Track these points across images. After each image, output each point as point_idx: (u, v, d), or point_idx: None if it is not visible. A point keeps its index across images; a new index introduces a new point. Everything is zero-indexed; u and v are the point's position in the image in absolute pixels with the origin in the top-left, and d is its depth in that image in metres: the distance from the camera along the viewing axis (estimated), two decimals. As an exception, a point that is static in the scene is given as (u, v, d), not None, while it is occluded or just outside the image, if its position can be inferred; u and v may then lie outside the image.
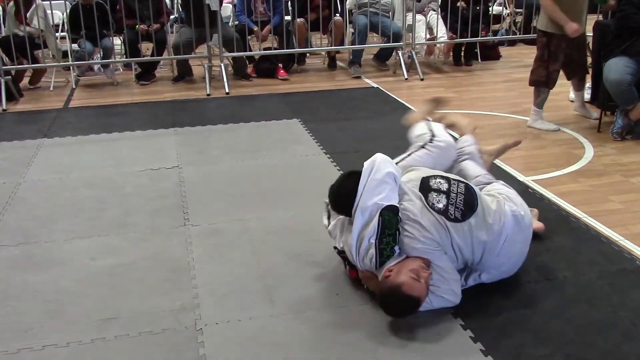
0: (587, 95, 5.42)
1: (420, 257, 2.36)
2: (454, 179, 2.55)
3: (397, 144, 3.89)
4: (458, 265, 2.45)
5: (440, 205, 2.41)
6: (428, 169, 2.67)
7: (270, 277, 2.68)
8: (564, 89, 5.77)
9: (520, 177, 3.76)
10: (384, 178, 2.43)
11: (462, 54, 7.18)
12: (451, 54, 7.20)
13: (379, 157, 2.51)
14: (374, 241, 2.35)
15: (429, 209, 2.40)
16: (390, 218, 2.36)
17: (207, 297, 2.56)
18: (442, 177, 2.54)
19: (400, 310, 2.33)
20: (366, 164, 2.49)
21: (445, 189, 2.47)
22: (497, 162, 3.99)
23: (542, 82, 4.70)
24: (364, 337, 2.29)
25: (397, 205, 2.40)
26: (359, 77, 6.61)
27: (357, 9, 6.80)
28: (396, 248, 2.37)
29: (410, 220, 2.39)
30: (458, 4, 6.95)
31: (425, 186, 2.48)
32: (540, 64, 4.71)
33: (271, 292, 2.59)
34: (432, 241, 2.37)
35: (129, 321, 2.41)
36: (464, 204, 2.43)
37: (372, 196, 2.39)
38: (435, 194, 2.44)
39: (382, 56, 7.07)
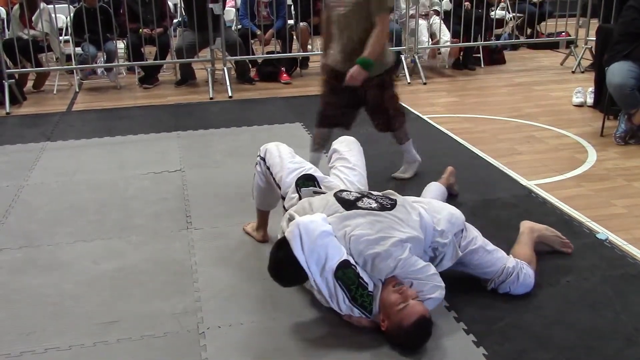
0: (590, 99, 5.43)
1: (391, 280, 2.26)
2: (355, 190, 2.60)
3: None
4: (421, 253, 2.38)
5: (374, 205, 2.40)
6: (330, 193, 2.55)
7: (273, 281, 2.68)
8: (566, 93, 5.78)
9: (523, 182, 3.76)
10: (319, 239, 2.23)
11: (461, 58, 7.17)
12: (460, 58, 7.18)
13: (303, 221, 2.27)
14: (349, 304, 2.25)
15: (370, 211, 2.35)
16: (344, 274, 2.22)
17: (210, 301, 2.56)
18: (346, 190, 2.56)
19: (428, 336, 2.23)
20: (287, 233, 2.26)
21: (360, 193, 2.51)
22: (501, 167, 4.01)
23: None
24: (365, 341, 2.28)
25: (344, 257, 2.24)
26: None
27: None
28: (370, 288, 2.26)
29: (370, 244, 2.26)
30: (465, 3, 6.93)
31: (345, 201, 2.42)
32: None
33: (273, 296, 2.59)
34: (396, 245, 2.26)
35: (131, 324, 2.41)
36: (385, 196, 2.50)
37: (319, 265, 2.22)
38: (360, 201, 2.42)
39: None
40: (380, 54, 3.36)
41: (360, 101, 3.57)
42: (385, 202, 2.44)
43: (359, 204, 2.42)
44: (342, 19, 3.36)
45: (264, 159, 2.82)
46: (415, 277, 2.27)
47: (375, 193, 2.56)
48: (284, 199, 2.71)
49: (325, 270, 2.22)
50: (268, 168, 2.79)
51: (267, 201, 2.95)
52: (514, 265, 2.53)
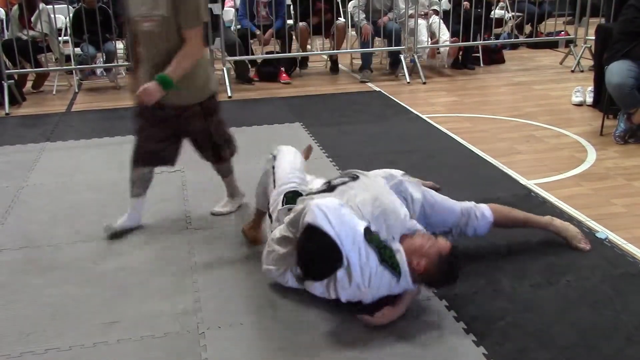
0: (589, 98, 5.43)
1: (405, 236, 2.44)
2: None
3: (398, 148, 3.91)
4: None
5: (347, 179, 2.59)
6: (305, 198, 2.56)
7: (273, 281, 2.68)
8: (566, 92, 5.78)
9: (523, 181, 3.76)
10: (341, 211, 2.29)
11: (460, 57, 7.17)
12: (460, 57, 7.18)
13: (319, 202, 2.31)
14: (378, 265, 2.27)
15: (350, 183, 2.55)
16: (372, 238, 2.30)
17: (209, 301, 2.56)
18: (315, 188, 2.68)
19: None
20: (310, 219, 2.25)
21: (327, 181, 2.68)
22: (500, 166, 4.01)
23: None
24: (366, 341, 2.29)
25: (365, 223, 2.33)
26: (366, 82, 6.60)
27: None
28: (395, 247, 2.35)
29: (376, 203, 2.43)
30: (464, 2, 6.93)
31: (325, 190, 2.58)
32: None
33: (273, 296, 2.59)
34: (393, 195, 2.56)
35: (132, 325, 2.41)
36: (346, 174, 2.70)
37: (349, 237, 2.25)
38: (334, 182, 2.61)
39: (394, 63, 7.04)
40: (188, 73, 2.88)
41: (183, 132, 3.10)
42: (353, 176, 2.64)
43: (335, 183, 2.59)
44: (150, 37, 2.87)
45: (275, 157, 2.86)
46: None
47: (336, 177, 2.73)
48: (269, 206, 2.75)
49: (356, 239, 2.26)
50: (273, 167, 2.80)
51: (263, 201, 2.95)
52: (468, 206, 2.81)
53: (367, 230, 2.31)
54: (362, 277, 2.27)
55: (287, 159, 2.84)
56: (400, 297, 2.38)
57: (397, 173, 2.79)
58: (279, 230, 2.53)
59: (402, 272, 2.31)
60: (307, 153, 3.51)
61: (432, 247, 2.33)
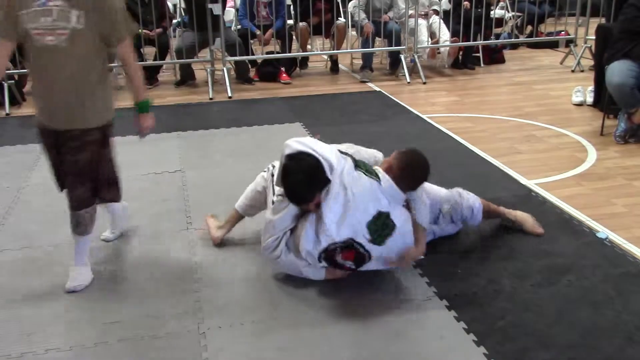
0: (589, 98, 5.43)
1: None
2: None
3: (399, 147, 3.90)
4: None
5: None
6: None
7: (273, 281, 2.68)
8: (566, 92, 5.78)
9: (523, 181, 3.76)
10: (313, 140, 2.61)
11: (461, 57, 7.17)
12: (460, 57, 7.18)
13: (293, 138, 2.63)
14: (353, 170, 2.53)
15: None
16: (346, 153, 2.63)
17: (210, 301, 2.56)
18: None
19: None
20: (289, 150, 2.55)
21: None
22: (501, 166, 4.00)
23: None
24: (366, 341, 2.29)
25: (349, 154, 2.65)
26: (366, 82, 6.59)
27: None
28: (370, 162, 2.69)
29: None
30: (464, 2, 6.93)
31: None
32: None
33: (274, 296, 2.59)
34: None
35: (132, 325, 2.41)
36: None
37: (325, 150, 2.53)
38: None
39: (394, 63, 7.04)
40: (93, 89, 2.53)
41: (69, 161, 2.56)
42: None
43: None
44: (57, 54, 2.42)
45: (274, 166, 2.88)
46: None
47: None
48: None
49: (333, 151, 2.55)
50: (272, 175, 2.81)
51: (250, 206, 3.00)
52: (449, 191, 3.00)
53: (340, 151, 2.61)
54: (345, 187, 2.46)
55: None
56: (415, 234, 2.56)
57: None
58: (271, 198, 2.66)
59: (380, 175, 2.54)
60: None
61: (396, 155, 2.63)
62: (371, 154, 2.87)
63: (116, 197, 2.76)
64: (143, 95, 2.67)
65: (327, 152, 2.52)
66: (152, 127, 2.73)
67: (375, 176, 2.54)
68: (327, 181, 2.47)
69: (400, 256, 2.54)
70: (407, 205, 2.61)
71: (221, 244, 3.01)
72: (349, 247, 2.48)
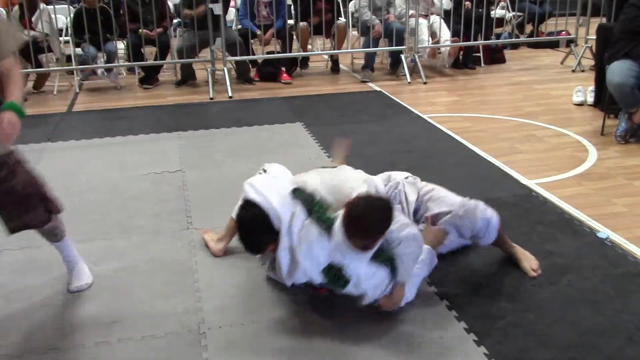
0: (590, 98, 5.43)
1: None
2: None
3: (399, 147, 3.91)
4: None
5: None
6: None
7: (274, 281, 2.68)
8: (567, 92, 5.78)
9: (524, 181, 3.76)
10: (268, 180, 2.67)
11: (461, 57, 7.17)
12: (460, 57, 7.17)
13: (249, 180, 2.66)
14: (305, 218, 2.40)
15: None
16: (299, 193, 2.50)
17: (211, 301, 2.56)
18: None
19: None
20: (248, 189, 2.58)
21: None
22: (501, 166, 4.00)
23: None
24: (366, 341, 2.29)
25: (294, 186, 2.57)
26: (366, 82, 6.59)
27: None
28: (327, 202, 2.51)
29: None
30: (465, 2, 6.93)
31: None
32: None
33: (274, 296, 2.59)
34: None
35: (132, 325, 2.41)
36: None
37: (274, 195, 2.50)
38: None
39: (395, 63, 7.04)
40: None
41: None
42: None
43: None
44: None
45: (265, 170, 2.91)
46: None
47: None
48: None
49: (285, 198, 2.48)
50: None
51: None
52: (463, 199, 2.72)
53: (296, 190, 2.52)
54: (292, 236, 2.38)
55: (278, 172, 2.90)
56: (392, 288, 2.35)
57: (399, 176, 2.81)
58: None
59: (336, 224, 2.30)
60: (343, 147, 3.48)
61: (355, 197, 2.40)
62: (347, 187, 2.62)
63: (58, 211, 2.54)
64: (16, 101, 2.19)
65: (276, 200, 2.45)
66: (14, 130, 2.15)
67: (330, 225, 2.32)
68: (274, 233, 2.41)
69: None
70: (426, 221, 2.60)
71: (219, 253, 2.95)
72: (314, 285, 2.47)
